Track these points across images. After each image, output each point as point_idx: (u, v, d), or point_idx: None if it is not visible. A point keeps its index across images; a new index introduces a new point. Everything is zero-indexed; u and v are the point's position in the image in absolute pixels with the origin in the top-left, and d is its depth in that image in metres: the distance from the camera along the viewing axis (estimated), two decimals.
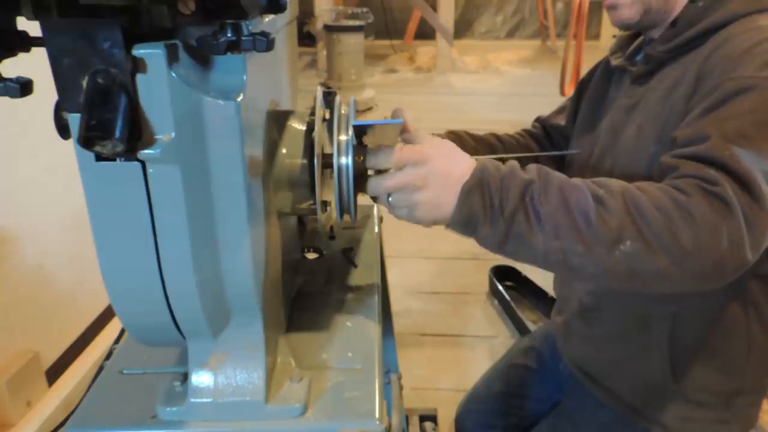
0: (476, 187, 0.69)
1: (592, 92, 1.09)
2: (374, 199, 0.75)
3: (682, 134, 0.76)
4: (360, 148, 0.73)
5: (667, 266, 0.67)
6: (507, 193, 0.68)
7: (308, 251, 1.06)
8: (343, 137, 0.71)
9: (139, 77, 0.51)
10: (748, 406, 1.01)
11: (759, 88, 0.73)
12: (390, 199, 0.72)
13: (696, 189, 0.68)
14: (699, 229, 0.66)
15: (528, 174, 0.71)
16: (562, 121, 1.19)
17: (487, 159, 0.73)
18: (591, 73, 1.13)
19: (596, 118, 1.05)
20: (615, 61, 1.03)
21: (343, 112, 0.74)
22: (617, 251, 0.66)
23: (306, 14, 6.11)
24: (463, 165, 0.71)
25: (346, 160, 0.70)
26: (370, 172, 0.74)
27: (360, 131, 0.72)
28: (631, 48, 1.04)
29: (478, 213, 0.68)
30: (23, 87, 0.51)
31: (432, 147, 0.71)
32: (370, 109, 4.95)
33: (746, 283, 0.91)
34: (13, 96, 0.51)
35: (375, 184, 0.72)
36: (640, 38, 1.03)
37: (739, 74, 0.75)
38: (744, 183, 0.68)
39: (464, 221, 0.69)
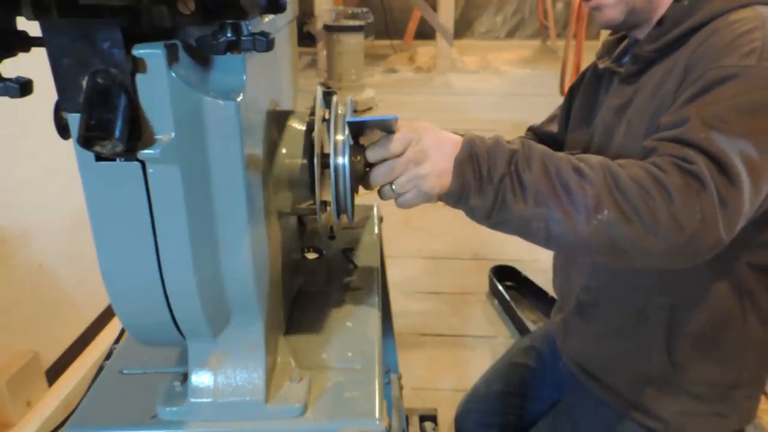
0: (467, 159, 0.72)
1: (582, 97, 1.10)
2: (379, 193, 0.75)
3: (665, 120, 0.79)
4: (357, 148, 0.73)
5: (642, 236, 0.69)
6: (494, 162, 0.72)
7: (308, 251, 1.06)
8: (339, 137, 0.71)
9: (138, 77, 0.51)
10: (746, 399, 1.02)
11: (741, 75, 0.75)
12: (394, 186, 0.73)
13: (672, 166, 0.71)
14: (673, 203, 0.69)
15: (512, 145, 0.74)
16: (554, 128, 1.20)
17: (472, 133, 0.76)
18: (579, 79, 1.14)
19: (588, 122, 1.06)
20: (602, 64, 1.05)
21: (339, 112, 0.74)
22: (595, 220, 0.69)
23: (306, 14, 6.11)
24: (450, 138, 0.74)
25: (342, 160, 0.70)
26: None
27: (356, 129, 0.72)
28: (618, 50, 1.05)
29: (470, 183, 0.72)
30: (23, 87, 0.51)
31: (418, 125, 0.74)
32: (370, 108, 4.95)
33: (741, 274, 0.92)
34: (12, 96, 0.51)
35: (378, 172, 0.73)
36: (626, 41, 1.04)
37: (723, 63, 0.77)
38: (719, 164, 0.70)
39: (458, 192, 0.72)
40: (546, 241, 0.74)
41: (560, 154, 0.74)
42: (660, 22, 0.90)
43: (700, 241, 0.70)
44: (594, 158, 0.74)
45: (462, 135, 0.76)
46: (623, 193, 0.69)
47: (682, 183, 0.69)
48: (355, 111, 0.75)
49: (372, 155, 0.73)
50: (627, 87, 0.95)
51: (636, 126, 0.90)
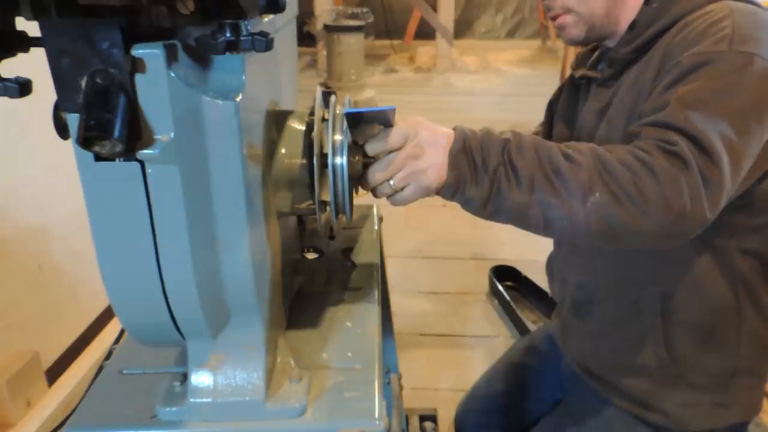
0: (461, 151, 0.73)
1: (563, 108, 1.12)
2: (374, 191, 0.75)
3: (645, 108, 0.82)
4: (356, 148, 0.73)
5: (633, 216, 0.71)
6: (488, 152, 0.73)
7: (308, 251, 1.06)
8: (338, 137, 0.71)
9: (138, 77, 0.51)
10: (747, 390, 1.02)
11: (714, 61, 0.78)
12: (392, 182, 0.74)
13: (656, 149, 0.73)
14: (661, 183, 0.71)
15: (503, 135, 0.76)
16: None
17: (463, 126, 0.77)
18: (558, 93, 1.16)
19: (571, 130, 1.08)
20: (579, 73, 1.06)
21: (338, 111, 0.74)
22: (588, 203, 0.71)
23: (306, 14, 6.11)
24: (444, 131, 0.75)
25: (340, 160, 0.70)
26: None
27: (354, 121, 0.72)
28: (592, 58, 1.07)
29: (466, 174, 0.73)
30: (22, 87, 0.51)
31: (413, 121, 0.75)
32: None
33: (733, 260, 0.93)
34: (12, 96, 0.51)
35: (377, 167, 0.73)
36: (599, 49, 1.06)
37: (697, 50, 0.80)
38: (699, 144, 0.73)
39: (455, 184, 0.74)
40: (544, 229, 0.75)
41: (550, 142, 0.76)
42: (632, 26, 0.93)
43: (688, 219, 0.72)
44: (582, 144, 0.76)
45: (454, 128, 0.77)
46: (612, 175, 0.71)
47: (667, 164, 0.72)
48: None
49: (371, 149, 0.73)
50: (605, 90, 0.97)
51: (616, 121, 0.92)
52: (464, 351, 2.20)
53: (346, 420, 0.68)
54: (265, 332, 0.69)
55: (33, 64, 0.56)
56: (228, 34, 0.52)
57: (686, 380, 1.00)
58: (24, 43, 0.52)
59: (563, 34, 0.99)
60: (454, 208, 0.76)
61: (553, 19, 0.98)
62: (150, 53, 0.51)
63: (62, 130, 0.54)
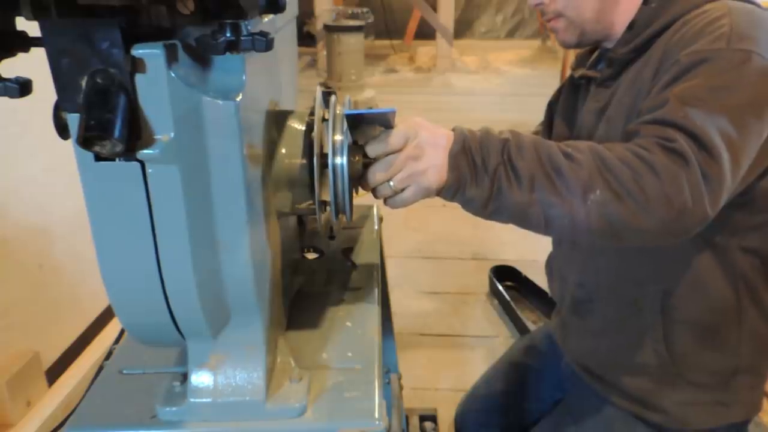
0: (461, 152, 0.73)
1: (563, 108, 1.13)
2: (374, 192, 0.75)
3: (644, 106, 0.82)
4: (356, 148, 0.73)
5: (634, 213, 0.72)
6: (488, 152, 0.74)
7: (308, 251, 1.06)
8: (338, 137, 0.71)
9: (138, 77, 0.51)
10: (748, 389, 1.02)
11: (713, 58, 0.78)
12: (392, 183, 0.73)
13: (655, 146, 0.73)
14: (661, 180, 0.71)
15: (502, 135, 0.76)
16: None
17: (462, 126, 0.77)
18: (557, 93, 1.17)
19: (571, 130, 1.08)
20: (578, 73, 1.07)
21: (338, 111, 0.74)
22: (589, 201, 0.71)
23: (306, 14, 6.11)
24: (443, 132, 0.75)
25: (340, 160, 0.70)
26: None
27: (354, 122, 0.72)
28: (591, 59, 1.08)
29: (466, 174, 0.73)
30: (22, 87, 0.51)
31: (412, 121, 0.75)
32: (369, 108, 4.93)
33: (734, 258, 0.93)
34: (12, 96, 0.51)
35: (377, 168, 0.73)
36: (598, 49, 1.07)
37: (695, 49, 0.80)
38: (698, 140, 0.73)
39: (455, 184, 0.74)
40: (545, 227, 0.75)
41: (549, 141, 0.76)
42: (631, 26, 0.94)
43: (689, 216, 0.72)
44: (581, 143, 0.76)
45: (453, 129, 0.77)
46: (612, 173, 0.72)
47: (667, 161, 0.72)
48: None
49: (372, 150, 0.73)
50: (605, 90, 0.98)
51: (615, 121, 0.92)
52: (464, 351, 2.20)
53: (346, 420, 0.68)
54: (265, 332, 0.69)
55: (33, 64, 0.56)
56: (228, 34, 0.52)
57: (687, 379, 1.00)
58: (24, 43, 0.52)
59: (557, 37, 1.00)
60: (454, 208, 0.76)
61: (548, 22, 0.99)
62: (150, 53, 0.51)
63: (62, 130, 0.54)
